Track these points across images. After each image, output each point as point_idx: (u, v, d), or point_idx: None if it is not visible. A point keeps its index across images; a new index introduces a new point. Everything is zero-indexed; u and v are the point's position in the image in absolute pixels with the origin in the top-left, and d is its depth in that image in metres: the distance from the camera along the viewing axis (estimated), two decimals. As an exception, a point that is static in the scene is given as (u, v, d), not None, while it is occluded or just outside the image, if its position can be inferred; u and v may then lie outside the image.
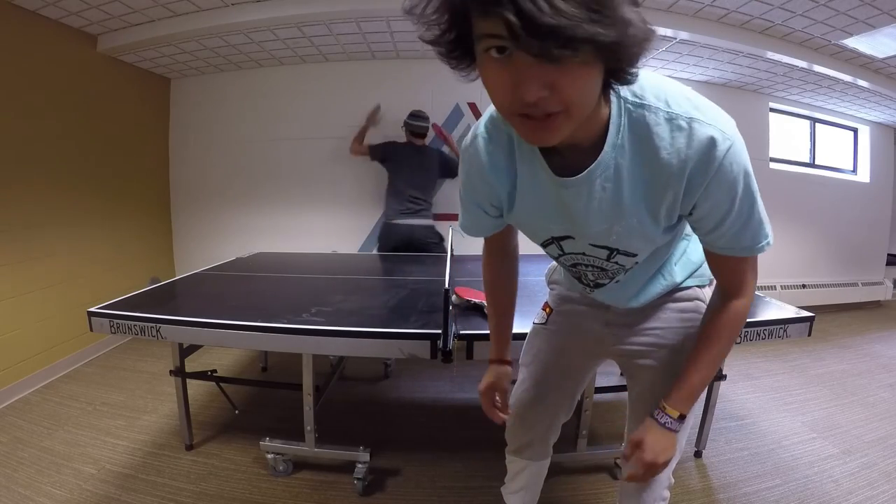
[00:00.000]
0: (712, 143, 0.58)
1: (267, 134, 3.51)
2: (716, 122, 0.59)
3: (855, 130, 4.32)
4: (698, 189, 0.61)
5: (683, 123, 0.58)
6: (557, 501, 1.57)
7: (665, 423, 0.78)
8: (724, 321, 0.75)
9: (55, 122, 2.55)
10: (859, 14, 2.33)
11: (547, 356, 1.06)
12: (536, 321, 1.10)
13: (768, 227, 0.67)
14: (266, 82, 3.45)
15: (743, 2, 2.32)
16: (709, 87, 3.59)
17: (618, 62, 0.49)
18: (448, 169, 3.04)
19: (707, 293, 0.91)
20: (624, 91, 0.59)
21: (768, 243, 0.68)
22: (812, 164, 4.18)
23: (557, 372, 1.06)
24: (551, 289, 1.11)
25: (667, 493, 0.93)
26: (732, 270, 0.73)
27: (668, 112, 0.59)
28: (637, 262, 0.79)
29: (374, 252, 3.00)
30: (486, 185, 0.76)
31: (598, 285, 0.87)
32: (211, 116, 3.54)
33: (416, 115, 2.96)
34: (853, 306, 4.23)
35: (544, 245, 0.83)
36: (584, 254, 0.79)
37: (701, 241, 0.73)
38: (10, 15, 2.23)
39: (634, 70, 0.51)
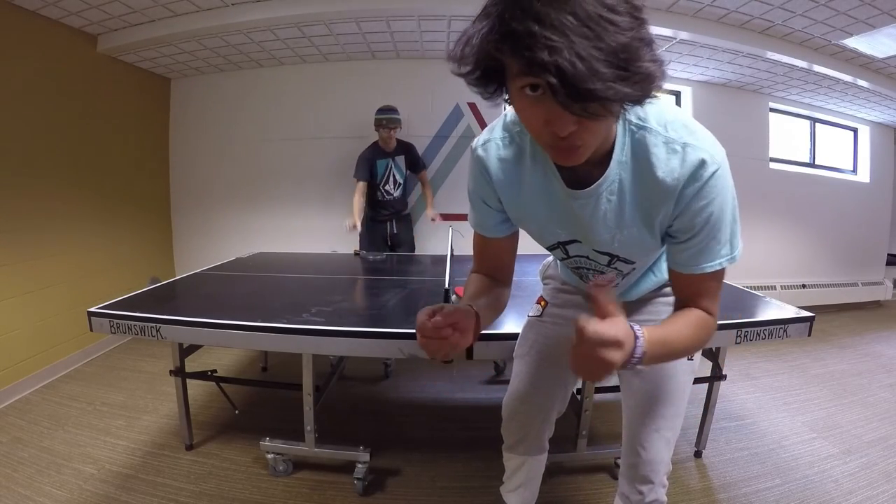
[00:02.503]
0: (702, 164, 0.64)
1: (267, 134, 3.51)
2: (707, 148, 0.65)
3: (855, 130, 4.32)
4: (681, 204, 0.67)
5: (678, 147, 0.65)
6: (557, 501, 1.57)
7: (637, 336, 0.62)
8: (692, 316, 0.73)
9: (55, 122, 2.55)
10: (859, 14, 2.33)
11: (542, 347, 1.09)
12: (531, 314, 1.13)
13: (727, 250, 0.70)
14: (266, 82, 3.45)
15: (743, 2, 2.32)
16: (709, 87, 3.60)
17: (634, 105, 0.56)
18: (415, 164, 3.09)
19: None
20: (629, 114, 0.65)
21: (720, 265, 0.71)
22: (812, 164, 4.18)
23: (552, 363, 1.08)
24: (545, 283, 1.15)
25: (666, 480, 0.98)
26: (691, 286, 0.74)
27: (665, 136, 0.65)
28: (634, 269, 0.85)
29: (361, 252, 3.00)
30: (489, 187, 0.80)
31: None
32: (211, 116, 3.54)
33: (383, 109, 2.86)
34: (853, 306, 4.23)
35: (551, 248, 0.87)
36: (587, 258, 0.84)
37: (667, 255, 0.76)
38: (10, 15, 2.23)
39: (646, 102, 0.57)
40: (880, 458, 1.81)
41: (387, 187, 2.99)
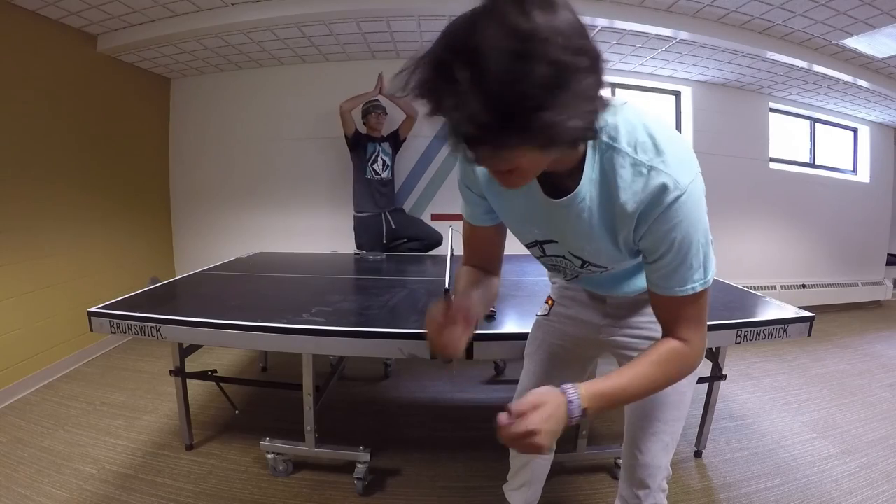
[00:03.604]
0: (663, 188, 0.64)
1: (267, 134, 3.51)
2: (673, 172, 0.64)
3: (855, 130, 4.32)
4: (643, 226, 0.68)
5: (644, 170, 0.64)
6: (557, 501, 1.57)
7: (571, 400, 0.67)
8: (662, 350, 0.73)
9: (55, 122, 2.55)
10: (859, 14, 2.33)
11: (550, 346, 1.10)
12: (539, 313, 1.14)
13: (700, 273, 0.70)
14: (266, 82, 3.45)
15: (743, 2, 2.32)
16: (709, 87, 3.59)
17: (565, 145, 0.55)
18: (395, 137, 3.13)
19: None
20: (600, 130, 0.63)
21: (693, 289, 0.70)
22: (812, 164, 4.19)
23: (559, 361, 1.09)
24: (553, 283, 1.15)
25: (665, 485, 0.98)
26: (668, 309, 0.75)
27: (633, 158, 0.65)
28: (610, 268, 0.84)
29: (355, 249, 3.01)
30: (474, 175, 0.82)
31: (574, 278, 0.95)
32: (211, 116, 3.54)
33: (370, 101, 3.02)
34: (853, 306, 4.23)
35: (528, 246, 0.88)
36: (563, 258, 0.85)
37: (645, 274, 0.77)
38: (10, 15, 2.23)
39: (590, 132, 0.57)
40: (880, 458, 1.81)
41: (375, 166, 3.02)
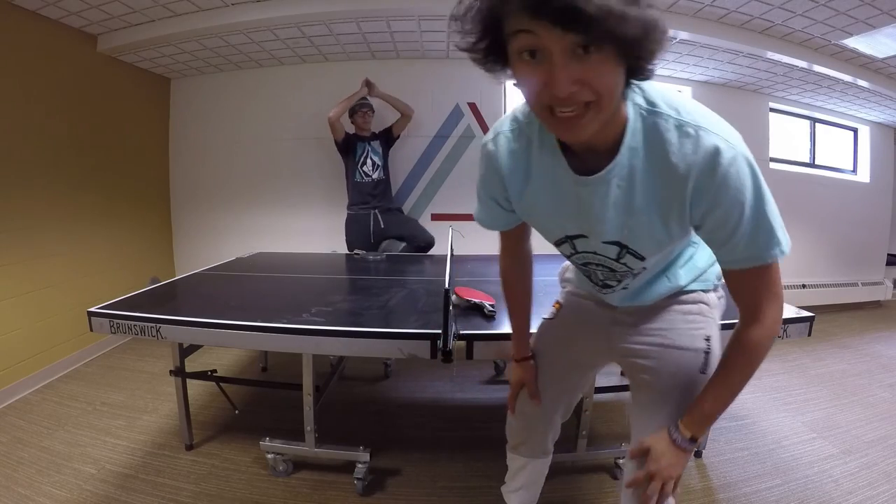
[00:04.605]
0: (717, 151, 0.60)
1: (267, 134, 3.51)
2: (721, 133, 0.61)
3: (855, 130, 4.32)
4: (705, 197, 0.63)
5: (691, 130, 0.61)
6: (557, 501, 1.57)
7: (675, 438, 0.79)
8: (738, 350, 0.76)
9: (55, 122, 2.55)
10: (859, 14, 2.33)
11: (553, 350, 1.08)
12: (546, 317, 1.13)
13: (781, 234, 0.67)
14: (266, 82, 3.45)
15: (743, 2, 2.32)
16: (709, 87, 3.59)
17: (638, 60, 0.55)
18: (387, 134, 3.11)
19: (712, 297, 0.92)
20: (638, 98, 0.64)
21: (781, 251, 0.67)
22: (812, 164, 4.18)
23: (562, 365, 1.07)
24: (563, 286, 1.14)
25: (672, 501, 0.92)
26: (747, 288, 0.73)
27: (678, 119, 0.62)
28: (645, 268, 0.81)
29: (360, 253, 2.96)
30: (500, 182, 0.81)
31: (606, 286, 0.91)
32: (211, 116, 3.54)
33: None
34: (853, 306, 4.23)
35: (558, 244, 0.86)
36: (595, 252, 0.81)
37: (717, 259, 0.74)
38: (10, 15, 2.23)
39: (652, 67, 0.57)
40: (880, 458, 1.81)
41: (364, 168, 2.98)
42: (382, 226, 3.01)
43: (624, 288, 0.88)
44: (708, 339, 0.88)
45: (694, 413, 0.79)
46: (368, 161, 3.00)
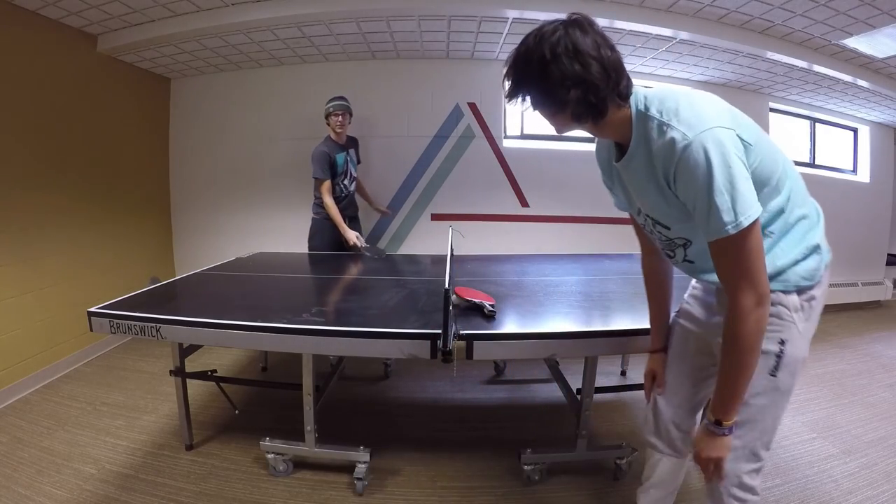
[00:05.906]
0: (672, 142, 0.79)
1: (267, 134, 3.51)
2: (682, 127, 0.78)
3: (855, 130, 4.32)
4: (673, 177, 0.81)
5: (665, 128, 0.80)
6: (557, 501, 1.57)
7: (706, 425, 0.90)
8: (723, 339, 0.84)
9: (55, 122, 2.55)
10: (859, 14, 2.33)
11: (673, 345, 1.15)
12: (675, 312, 1.20)
13: (730, 216, 0.75)
14: (266, 82, 3.45)
15: (743, 2, 2.32)
16: (709, 88, 3.59)
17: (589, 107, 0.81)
18: (358, 158, 3.03)
19: (793, 300, 0.92)
20: (640, 103, 0.85)
21: (727, 231, 0.76)
22: (812, 164, 4.19)
23: (679, 361, 1.13)
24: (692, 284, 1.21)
25: (739, 493, 0.96)
26: (720, 263, 0.83)
27: (658, 119, 0.82)
28: (683, 238, 0.94)
29: (363, 247, 2.82)
30: (601, 171, 1.08)
31: (667, 254, 1.04)
32: (211, 116, 3.54)
33: (333, 98, 2.80)
34: (853, 306, 4.23)
35: (637, 215, 1.04)
36: (644, 222, 1.01)
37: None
38: (10, 15, 2.23)
39: (622, 94, 0.82)
40: (880, 458, 1.81)
41: (344, 182, 2.89)
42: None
43: (686, 259, 0.98)
44: (782, 343, 0.90)
45: (714, 398, 0.89)
46: (348, 174, 2.90)
